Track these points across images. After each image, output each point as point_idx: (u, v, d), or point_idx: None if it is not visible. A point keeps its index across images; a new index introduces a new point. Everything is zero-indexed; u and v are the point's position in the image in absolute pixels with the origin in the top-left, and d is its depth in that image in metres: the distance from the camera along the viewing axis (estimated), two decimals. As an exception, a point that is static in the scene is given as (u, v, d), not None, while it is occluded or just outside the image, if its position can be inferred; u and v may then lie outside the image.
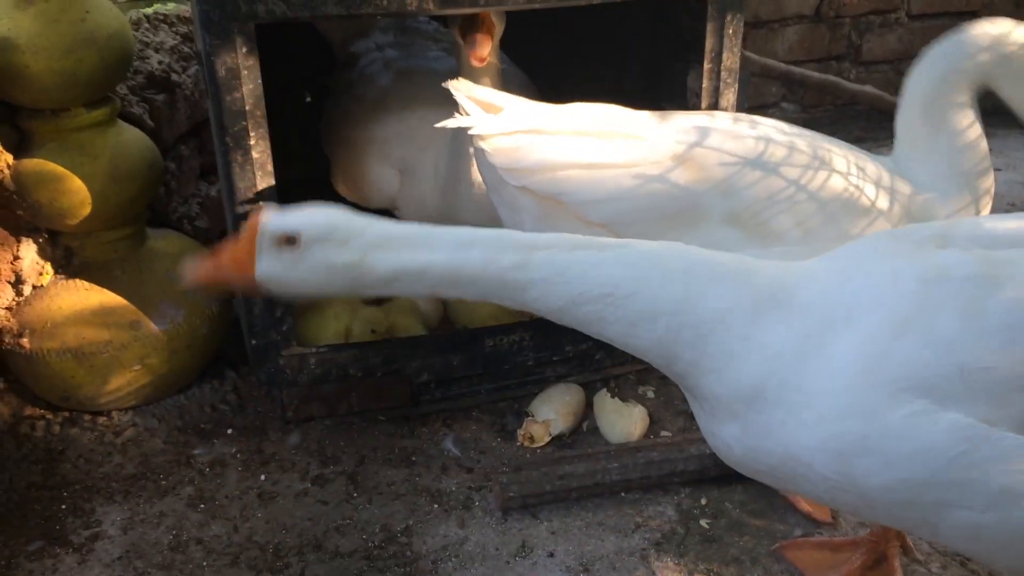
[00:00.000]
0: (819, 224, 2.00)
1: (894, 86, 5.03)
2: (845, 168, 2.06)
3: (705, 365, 1.49)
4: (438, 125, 2.04)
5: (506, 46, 2.99)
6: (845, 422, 1.39)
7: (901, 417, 1.36)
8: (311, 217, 1.49)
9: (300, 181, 3.21)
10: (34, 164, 2.41)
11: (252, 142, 2.21)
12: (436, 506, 2.26)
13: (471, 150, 2.34)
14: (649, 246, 1.52)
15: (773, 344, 1.45)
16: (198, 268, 1.53)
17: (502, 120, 2.01)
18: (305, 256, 1.47)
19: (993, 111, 2.26)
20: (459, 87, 2.03)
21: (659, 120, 2.10)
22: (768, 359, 1.45)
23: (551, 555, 2.10)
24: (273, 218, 1.49)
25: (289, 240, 1.48)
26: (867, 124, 4.95)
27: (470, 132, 2.01)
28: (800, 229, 1.98)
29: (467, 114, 2.02)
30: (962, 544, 1.45)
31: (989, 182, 2.20)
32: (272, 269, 1.50)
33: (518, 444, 2.45)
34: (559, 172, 1.97)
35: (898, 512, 1.43)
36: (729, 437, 1.53)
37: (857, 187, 2.04)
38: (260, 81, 2.18)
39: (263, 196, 2.26)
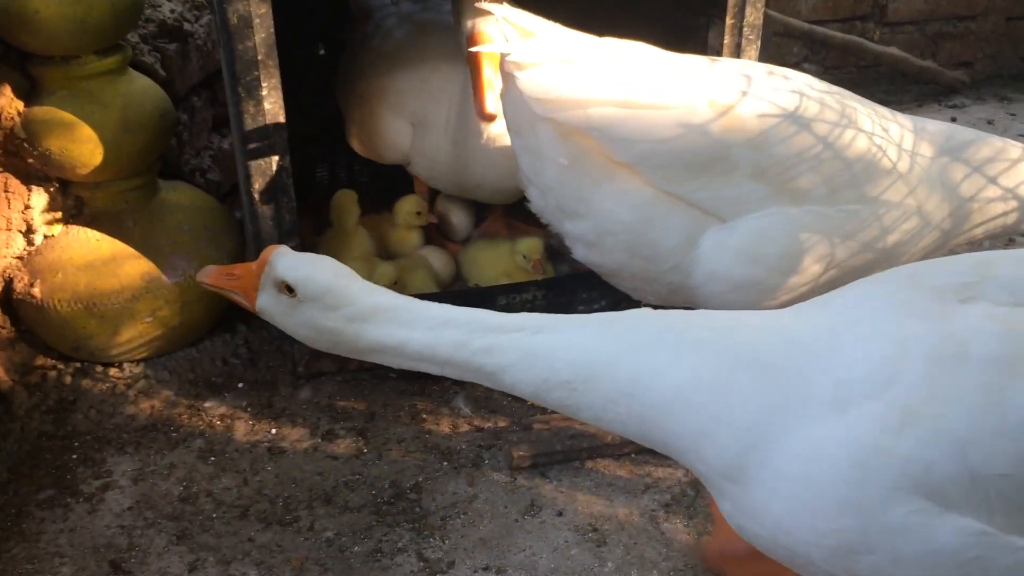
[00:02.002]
0: (844, 183, 1.94)
1: (919, 48, 4.94)
2: (870, 128, 2.01)
3: (676, 445, 1.39)
4: (473, 50, 1.96)
5: (526, 5, 2.93)
6: (840, 520, 1.26)
7: (902, 516, 1.22)
8: (311, 275, 1.52)
9: (314, 137, 3.21)
10: (44, 112, 2.38)
11: (264, 92, 2.17)
12: (446, 463, 2.25)
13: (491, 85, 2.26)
14: (611, 322, 1.44)
15: (746, 417, 1.32)
16: (213, 274, 1.61)
17: (538, 47, 1.89)
18: (298, 309, 1.53)
19: (1020, 76, 2.21)
20: (499, 8, 1.91)
21: (700, 64, 2.03)
22: (742, 433, 1.32)
23: (560, 514, 2.09)
24: (280, 261, 1.55)
25: (289, 288, 1.53)
26: (890, 86, 4.86)
27: (506, 59, 1.90)
28: (826, 187, 1.93)
29: (504, 39, 1.91)
30: None
31: None
32: (269, 306, 1.57)
33: (529, 403, 2.44)
34: (592, 106, 1.88)
35: None
36: (727, 514, 1.42)
37: (880, 148, 1.99)
38: (272, 30, 2.14)
39: (275, 147, 2.23)
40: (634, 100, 1.88)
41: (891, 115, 2.10)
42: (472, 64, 2.19)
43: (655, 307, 1.52)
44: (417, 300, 1.53)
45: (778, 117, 1.91)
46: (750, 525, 1.37)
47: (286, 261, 1.54)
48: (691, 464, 1.41)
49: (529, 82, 1.88)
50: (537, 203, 2.14)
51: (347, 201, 2.77)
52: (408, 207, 2.86)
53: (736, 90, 1.94)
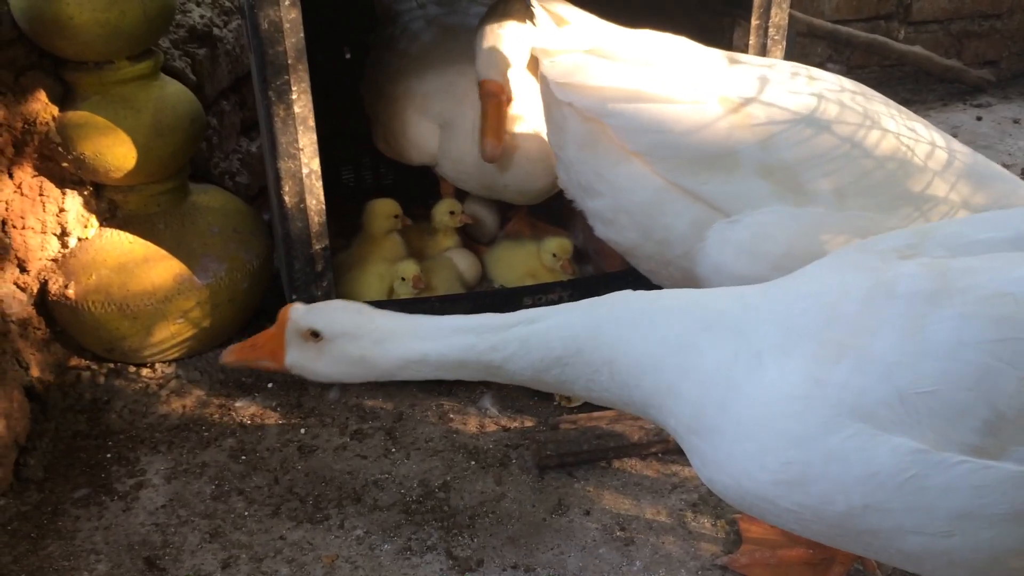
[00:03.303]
0: (856, 190, 1.94)
1: (944, 47, 4.91)
2: (895, 135, 1.99)
3: (652, 404, 1.53)
4: (498, 29, 2.14)
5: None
6: (788, 451, 1.35)
7: (841, 441, 1.30)
8: (331, 315, 1.70)
9: (341, 138, 3.24)
10: (78, 116, 2.42)
11: (294, 96, 2.20)
12: (473, 463, 2.27)
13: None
14: (595, 303, 1.61)
15: (705, 368, 1.45)
16: (236, 351, 1.77)
17: (564, 36, 2.04)
18: (326, 349, 1.69)
19: (1012, 77, 2.20)
20: None
21: (721, 61, 2.08)
22: (701, 384, 1.45)
23: (587, 513, 2.11)
24: (300, 314, 1.69)
25: (314, 334, 1.69)
26: (915, 86, 4.84)
27: (534, 46, 2.04)
28: (835, 193, 1.93)
29: (537, 24, 2.05)
30: (941, 571, 1.36)
31: None
32: (299, 358, 1.73)
33: (555, 403, 2.46)
34: (607, 95, 1.98)
35: (865, 540, 1.37)
36: (697, 470, 1.54)
37: (905, 160, 1.96)
38: (302, 35, 2.16)
39: (305, 151, 2.26)
40: (646, 92, 1.96)
41: (925, 125, 2.08)
42: (482, 109, 2.46)
43: None
44: (427, 316, 1.71)
45: (789, 118, 1.93)
46: (718, 476, 1.47)
47: (306, 312, 1.71)
48: (665, 422, 1.54)
49: (553, 68, 2.02)
50: (563, 178, 2.25)
51: (384, 208, 2.79)
52: (443, 208, 2.88)
53: (750, 88, 1.96)
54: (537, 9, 2.05)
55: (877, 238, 1.56)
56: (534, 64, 2.31)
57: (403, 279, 2.62)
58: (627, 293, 1.61)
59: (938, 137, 2.04)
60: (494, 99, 2.45)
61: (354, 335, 1.67)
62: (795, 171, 1.92)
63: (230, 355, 1.77)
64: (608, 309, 1.58)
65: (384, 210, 2.77)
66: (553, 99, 2.09)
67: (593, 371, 1.56)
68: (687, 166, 1.96)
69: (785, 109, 1.94)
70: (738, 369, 1.42)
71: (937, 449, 1.26)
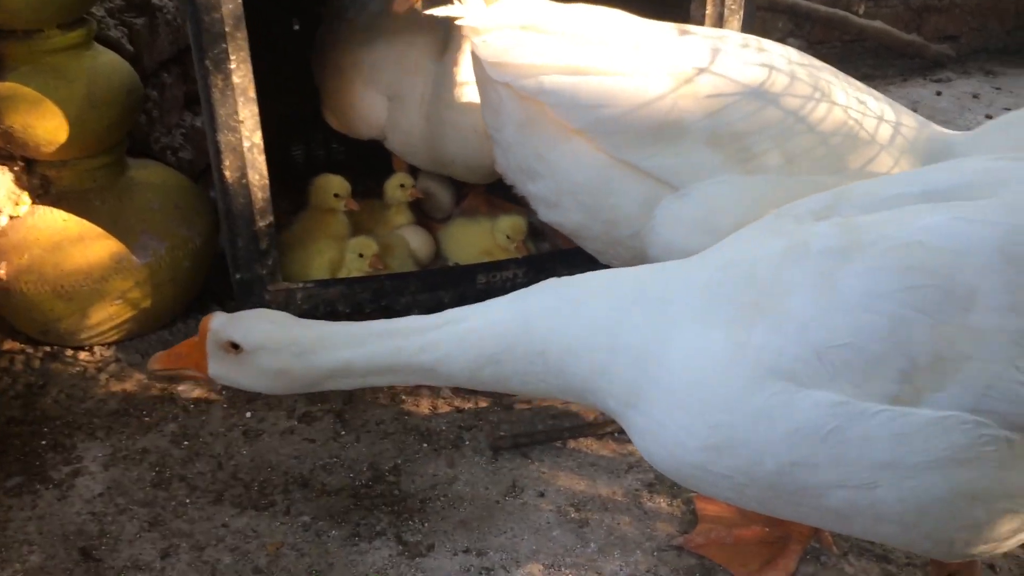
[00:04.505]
0: (809, 155, 1.90)
1: (904, 22, 4.89)
2: (844, 102, 1.95)
3: (590, 387, 1.52)
4: (427, 12, 1.94)
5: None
6: (715, 415, 1.36)
7: (763, 400, 1.32)
8: (250, 327, 1.66)
9: (290, 115, 3.14)
10: (6, 88, 2.31)
11: (233, 66, 2.11)
12: (425, 445, 2.21)
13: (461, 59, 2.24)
14: (522, 295, 1.60)
15: (634, 344, 1.46)
16: (161, 359, 1.73)
17: (495, 12, 1.92)
18: (246, 361, 1.65)
19: (1005, 50, 2.18)
20: None
21: (669, 32, 2.00)
22: (633, 359, 1.45)
23: (542, 495, 2.06)
24: (219, 324, 1.67)
25: (234, 345, 1.65)
26: (875, 61, 4.82)
27: (459, 23, 1.92)
28: (783, 157, 1.88)
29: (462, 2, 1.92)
30: (870, 529, 1.38)
31: None
32: (221, 370, 1.70)
33: (510, 383, 2.40)
34: (544, 73, 1.89)
35: (796, 500, 1.37)
36: (637, 445, 1.54)
37: (856, 122, 1.94)
38: (240, 1, 2.07)
39: (245, 122, 2.16)
40: (585, 67, 1.89)
41: (867, 90, 2.05)
42: None
43: None
44: (352, 323, 1.68)
45: (738, 89, 1.87)
46: (653, 447, 1.48)
47: (224, 322, 1.67)
48: (604, 404, 1.54)
49: (485, 47, 1.91)
50: (500, 162, 2.16)
51: (329, 183, 2.69)
52: (394, 182, 2.80)
53: (696, 59, 1.90)
54: None
55: (794, 203, 1.55)
56: None
57: (360, 255, 2.54)
58: (552, 281, 1.60)
59: (887, 108, 2.02)
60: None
61: (273, 348, 1.64)
62: (744, 139, 1.87)
63: (156, 363, 1.73)
64: (535, 300, 1.57)
65: (329, 185, 2.68)
66: (487, 79, 1.99)
67: (528, 363, 1.54)
68: (632, 141, 1.89)
69: (734, 80, 1.88)
70: (664, 340, 1.43)
71: (857, 401, 1.27)
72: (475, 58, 2.00)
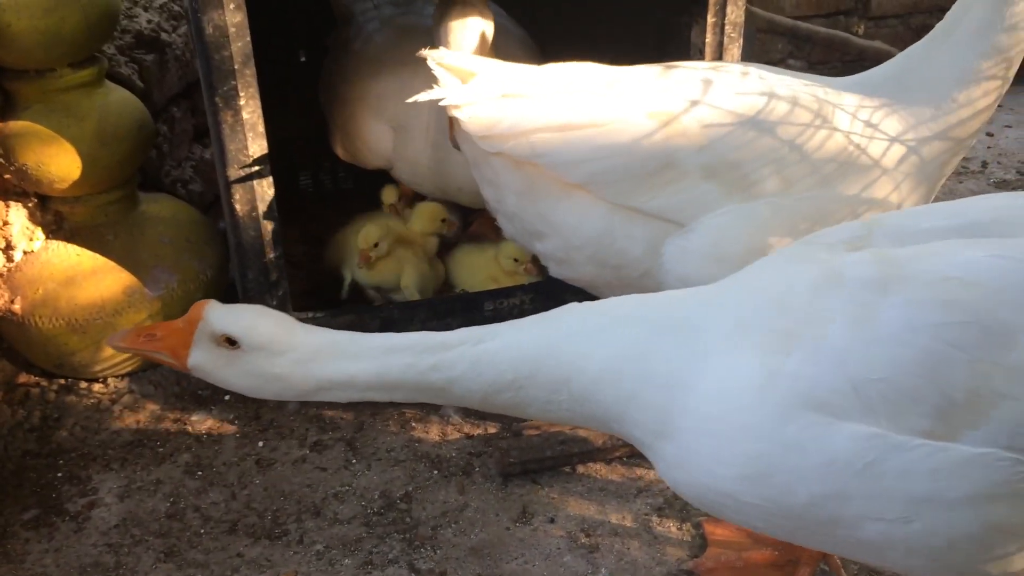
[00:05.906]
0: (807, 180, 1.92)
1: (904, 41, 4.90)
2: (848, 125, 1.97)
3: (615, 416, 1.48)
4: (409, 100, 1.96)
5: (511, 9, 2.91)
6: (746, 444, 1.34)
7: (797, 431, 1.29)
8: (254, 324, 1.53)
9: (297, 144, 3.19)
10: (19, 127, 2.35)
11: (242, 102, 2.15)
12: (436, 472, 2.23)
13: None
14: (543, 319, 1.54)
15: (665, 372, 1.42)
16: (129, 336, 1.56)
17: (473, 87, 1.94)
18: (240, 359, 1.53)
19: None
20: (432, 55, 1.95)
21: (649, 73, 2.03)
22: (663, 388, 1.42)
23: (552, 521, 2.07)
24: (218, 315, 1.53)
25: (230, 341, 1.52)
26: (875, 80, 4.84)
27: (440, 104, 1.94)
28: (782, 181, 1.91)
29: (442, 85, 1.94)
30: (900, 562, 1.36)
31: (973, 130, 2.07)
32: (205, 361, 1.54)
33: (519, 409, 2.42)
34: (533, 135, 1.91)
35: (827, 531, 1.35)
36: (663, 474, 1.51)
37: (858, 146, 1.95)
38: (249, 39, 2.11)
39: (255, 158, 2.20)
40: (570, 122, 1.90)
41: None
42: None
43: None
44: (358, 334, 1.57)
45: (728, 121, 1.90)
46: (682, 476, 1.45)
47: (224, 314, 1.54)
48: (630, 434, 1.50)
49: (471, 121, 1.93)
50: (507, 229, 2.19)
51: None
52: (431, 213, 2.83)
53: (680, 97, 1.93)
54: (438, 71, 1.93)
55: (824, 231, 1.55)
56: None
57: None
58: (575, 305, 1.56)
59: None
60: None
61: (276, 351, 1.52)
62: (740, 167, 1.90)
63: (120, 340, 1.56)
64: (560, 325, 1.52)
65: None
66: (480, 154, 2.02)
67: (550, 392, 1.49)
68: (631, 186, 1.91)
69: (720, 111, 1.91)
70: (695, 368, 1.41)
71: (893, 434, 1.26)
72: (464, 136, 2.02)
